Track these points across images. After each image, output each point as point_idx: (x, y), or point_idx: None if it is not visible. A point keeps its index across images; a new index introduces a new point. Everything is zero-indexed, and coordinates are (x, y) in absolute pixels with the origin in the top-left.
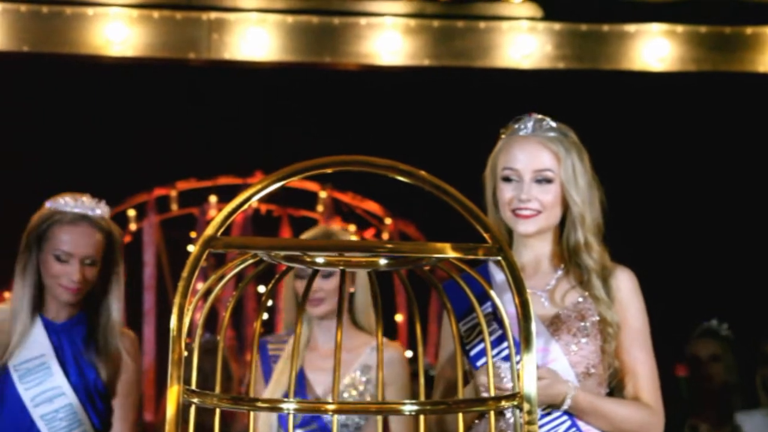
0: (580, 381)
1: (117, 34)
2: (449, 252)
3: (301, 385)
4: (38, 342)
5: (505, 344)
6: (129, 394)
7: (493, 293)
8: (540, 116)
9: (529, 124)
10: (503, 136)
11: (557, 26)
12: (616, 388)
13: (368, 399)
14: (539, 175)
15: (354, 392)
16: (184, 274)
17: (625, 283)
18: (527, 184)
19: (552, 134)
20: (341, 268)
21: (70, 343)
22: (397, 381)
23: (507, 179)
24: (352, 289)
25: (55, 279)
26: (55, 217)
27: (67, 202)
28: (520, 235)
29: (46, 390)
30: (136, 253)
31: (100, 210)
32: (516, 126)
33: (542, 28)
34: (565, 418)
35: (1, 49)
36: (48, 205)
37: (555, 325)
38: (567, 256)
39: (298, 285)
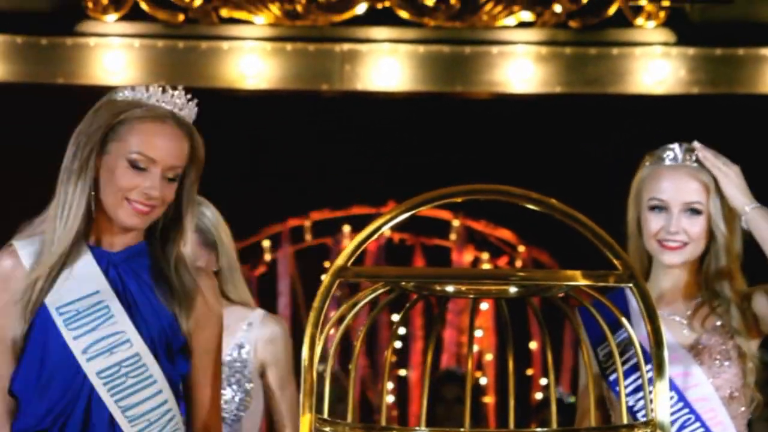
0: (726, 405)
1: (251, 67)
2: (580, 279)
3: None
4: (89, 276)
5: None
6: (211, 351)
7: (624, 321)
8: (688, 145)
9: (678, 153)
10: (647, 163)
11: (691, 51)
12: (756, 419)
13: (242, 380)
14: (688, 206)
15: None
16: (315, 304)
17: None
18: (676, 216)
19: (700, 165)
20: (472, 296)
21: (134, 277)
22: (280, 361)
23: (654, 209)
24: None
25: (122, 192)
26: (134, 110)
27: (152, 93)
28: (664, 265)
29: (104, 337)
30: (271, 283)
31: (190, 110)
32: (664, 154)
33: (676, 54)
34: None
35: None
36: (120, 94)
37: (696, 350)
38: (705, 284)
39: None
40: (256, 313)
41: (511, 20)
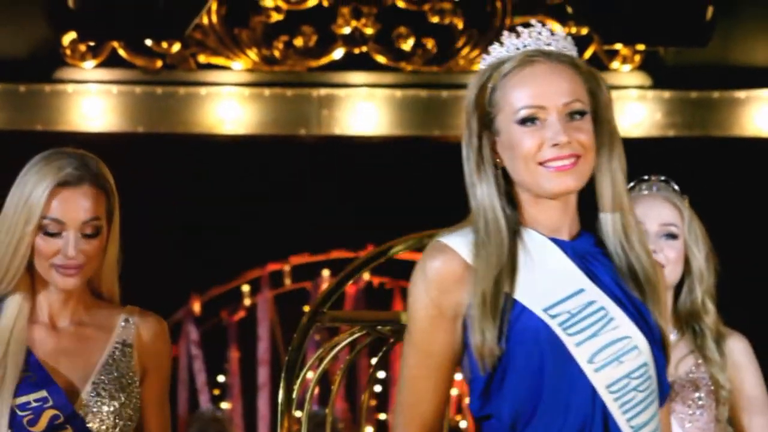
0: None
1: (229, 112)
2: None
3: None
4: (563, 271)
5: None
6: None
7: None
8: (665, 178)
9: (654, 184)
10: None
11: (666, 94)
12: None
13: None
14: (665, 229)
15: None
16: (292, 347)
17: (739, 348)
18: (653, 238)
19: (675, 194)
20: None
21: (606, 270)
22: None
23: None
24: None
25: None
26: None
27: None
28: None
29: (609, 344)
30: (251, 328)
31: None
32: (640, 186)
33: (651, 97)
34: None
35: (117, 131)
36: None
37: (669, 396)
38: (683, 318)
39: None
40: None
41: None
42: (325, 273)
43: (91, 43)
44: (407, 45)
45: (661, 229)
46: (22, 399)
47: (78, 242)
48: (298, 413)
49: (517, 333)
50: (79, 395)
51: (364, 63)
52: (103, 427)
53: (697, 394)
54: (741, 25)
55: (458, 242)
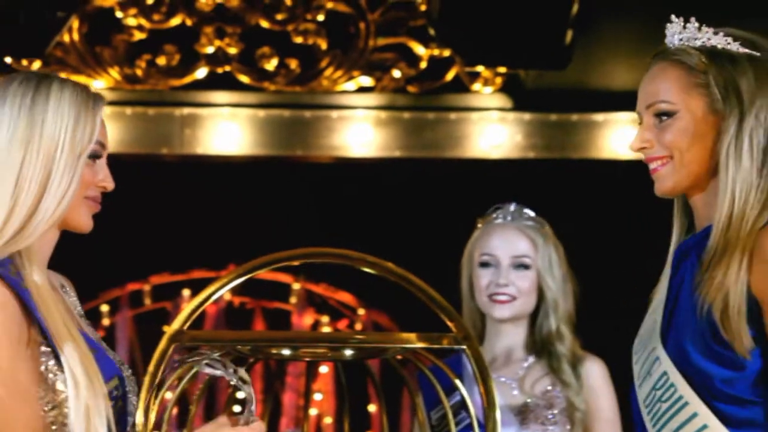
0: None
1: None
2: (415, 342)
3: None
4: None
5: None
6: None
7: (458, 383)
8: (519, 206)
9: (508, 212)
10: (480, 225)
11: (527, 116)
12: None
13: None
14: (517, 261)
15: None
16: (150, 368)
17: (595, 371)
18: (505, 269)
19: (530, 223)
20: (307, 359)
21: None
22: None
23: (484, 265)
24: None
25: None
26: None
27: None
28: (495, 320)
29: (647, 357)
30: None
31: None
32: (494, 214)
33: (512, 119)
34: None
35: None
36: None
37: (524, 414)
38: (539, 344)
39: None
40: None
41: (350, 85)
42: (186, 293)
43: None
44: (270, 65)
45: (513, 260)
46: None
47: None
48: None
49: None
50: None
51: (227, 82)
52: None
53: (550, 412)
54: (600, 49)
55: None
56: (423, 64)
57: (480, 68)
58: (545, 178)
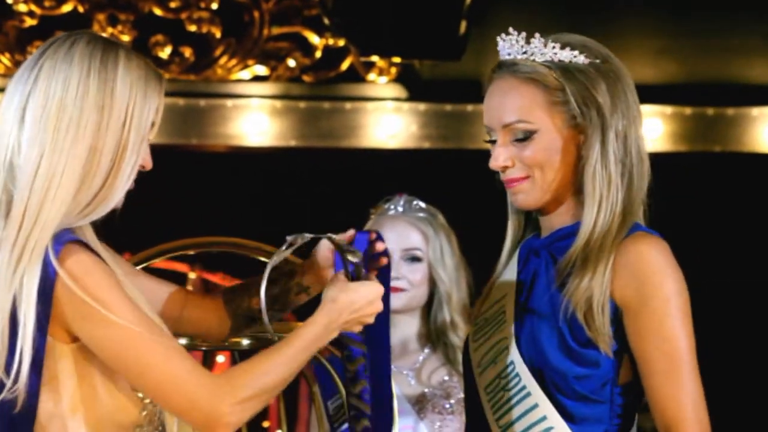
0: None
1: None
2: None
3: None
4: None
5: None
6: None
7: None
8: (409, 197)
9: (399, 205)
10: (373, 216)
11: (422, 107)
12: None
13: None
14: (408, 254)
15: None
16: None
17: None
18: (396, 263)
19: (421, 215)
20: (204, 348)
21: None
22: None
23: None
24: None
25: None
26: None
27: None
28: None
29: (494, 345)
30: None
31: None
32: (386, 206)
33: (407, 109)
34: None
35: None
36: None
37: (421, 404)
38: (434, 335)
39: None
40: None
41: (245, 74)
42: None
43: None
44: (164, 53)
45: (404, 253)
46: None
47: None
48: None
49: None
50: None
51: None
52: None
53: (447, 402)
54: (493, 39)
55: None
56: (318, 54)
57: (375, 58)
58: (440, 169)
